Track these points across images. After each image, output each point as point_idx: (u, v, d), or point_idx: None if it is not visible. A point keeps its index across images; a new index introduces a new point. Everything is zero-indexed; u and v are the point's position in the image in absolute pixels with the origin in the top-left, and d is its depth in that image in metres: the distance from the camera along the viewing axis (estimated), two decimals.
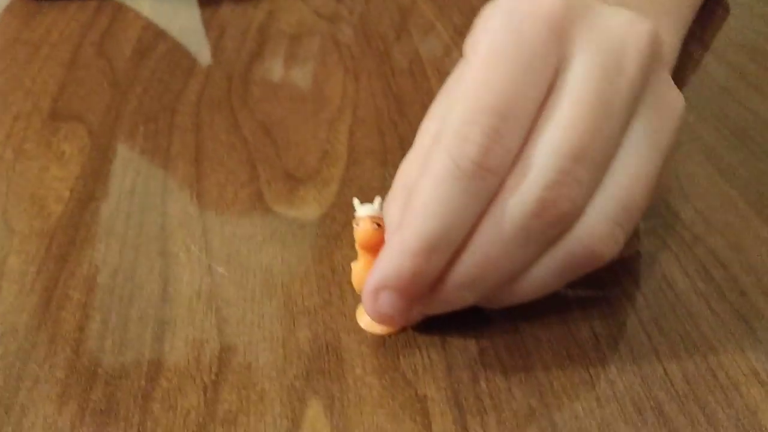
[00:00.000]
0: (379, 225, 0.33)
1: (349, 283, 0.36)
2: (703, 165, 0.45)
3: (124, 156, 0.49)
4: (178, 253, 0.40)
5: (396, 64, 0.60)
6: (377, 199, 0.34)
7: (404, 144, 0.49)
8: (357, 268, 0.34)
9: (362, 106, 0.54)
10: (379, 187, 0.45)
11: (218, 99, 0.56)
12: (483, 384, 0.32)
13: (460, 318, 0.35)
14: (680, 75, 0.55)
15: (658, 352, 0.33)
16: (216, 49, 0.65)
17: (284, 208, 0.43)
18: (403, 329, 0.35)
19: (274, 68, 0.60)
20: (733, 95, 0.53)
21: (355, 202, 0.34)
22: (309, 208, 0.43)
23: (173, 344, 0.35)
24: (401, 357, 0.33)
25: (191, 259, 0.40)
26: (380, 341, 0.34)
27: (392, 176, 0.46)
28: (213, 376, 0.33)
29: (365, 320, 0.35)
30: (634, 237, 0.40)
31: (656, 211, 0.41)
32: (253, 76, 0.59)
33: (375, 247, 0.33)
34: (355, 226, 0.33)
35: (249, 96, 0.56)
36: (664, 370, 0.32)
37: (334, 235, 0.41)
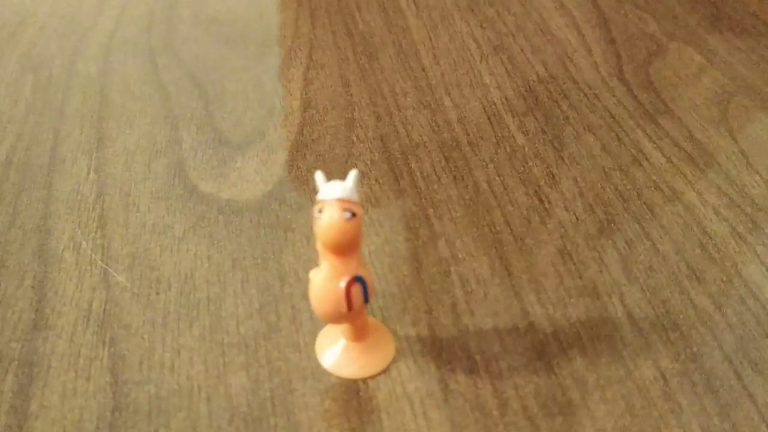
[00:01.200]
0: (353, 214, 0.21)
1: (306, 298, 0.25)
2: (764, 122, 0.35)
3: (3, 114, 0.37)
4: (62, 254, 0.29)
5: None
6: (352, 174, 0.22)
7: (375, 97, 0.37)
8: (318, 278, 0.22)
9: (320, 48, 0.41)
10: (344, 154, 0.33)
11: (133, 39, 0.43)
12: None
13: (466, 350, 0.24)
14: (714, 10, 0.44)
15: (756, 400, 0.23)
16: None
17: (214, 186, 0.32)
18: (385, 369, 0.24)
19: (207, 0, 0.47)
20: None
21: (318, 176, 0.22)
22: (248, 186, 0.32)
23: (43, 400, 0.23)
24: (384, 416, 0.23)
25: (80, 263, 0.28)
26: (352, 390, 0.23)
27: (361, 140, 0.35)
28: None
29: (330, 357, 0.24)
30: (692, 223, 0.29)
31: (714, 185, 0.31)
32: (179, 11, 0.46)
33: (346, 247, 0.21)
34: (316, 214, 0.21)
35: (173, 35, 0.43)
36: (765, 421, 0.22)
37: (284, 225, 0.29)
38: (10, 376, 0.24)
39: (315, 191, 0.22)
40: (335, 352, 0.24)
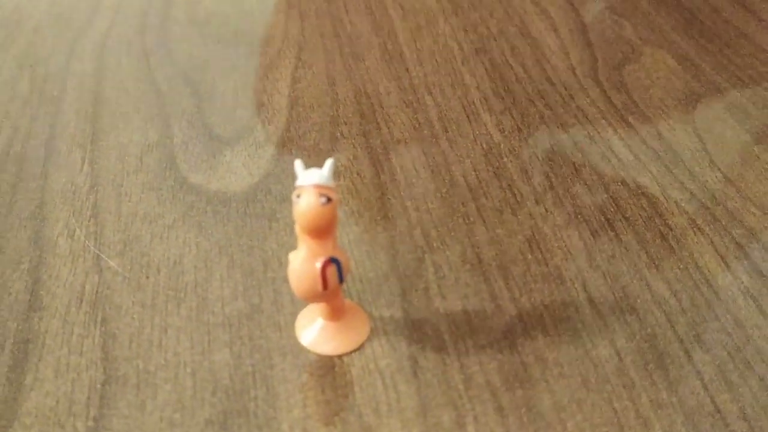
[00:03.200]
0: (329, 199, 0.22)
1: (286, 281, 0.27)
2: (728, 123, 0.37)
3: (1, 108, 0.38)
4: (56, 240, 0.30)
5: None
6: (329, 162, 0.23)
7: (359, 96, 0.39)
8: (296, 259, 0.24)
9: (308, 48, 0.43)
10: (327, 150, 0.35)
11: (128, 38, 0.45)
12: (471, 429, 0.23)
13: (436, 330, 0.26)
14: (687, 15, 0.46)
15: (703, 377, 0.24)
16: None
17: (204, 178, 0.33)
18: (360, 347, 0.25)
19: (200, 1, 0.49)
20: (754, 42, 0.44)
21: (297, 165, 0.23)
22: (236, 178, 0.33)
23: (38, 374, 0.25)
24: (357, 389, 0.24)
25: (74, 249, 0.30)
26: (327, 366, 0.25)
27: (345, 136, 0.36)
28: (90, 423, 0.23)
29: (308, 336, 0.26)
30: (654, 215, 0.31)
31: (677, 181, 0.33)
32: (174, 12, 0.48)
33: (322, 230, 0.23)
34: (294, 198, 0.23)
35: (167, 34, 0.45)
36: (713, 402, 0.24)
37: (268, 215, 0.31)
38: (6, 352, 0.26)
39: (295, 178, 0.23)
40: (313, 331, 0.26)
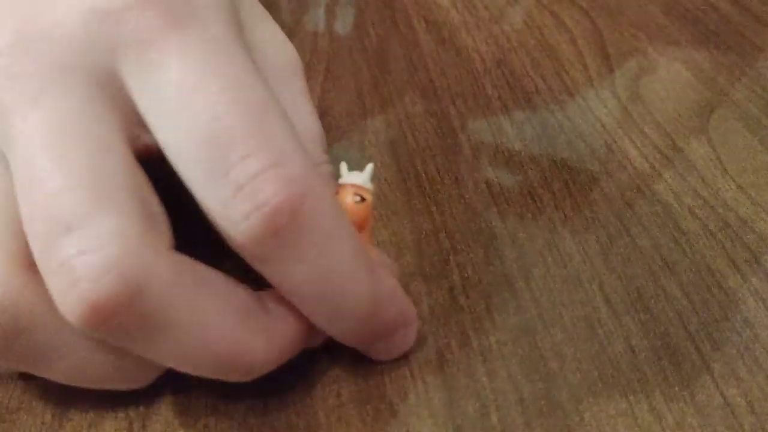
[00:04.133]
0: (363, 198, 0.25)
1: None
2: (741, 133, 0.38)
3: None
4: None
5: (376, 11, 0.51)
6: (369, 167, 0.26)
7: (386, 106, 0.41)
8: None
9: (336, 61, 0.45)
10: (358, 157, 0.37)
11: None
12: (494, 418, 0.25)
13: (461, 326, 0.27)
14: (703, 29, 0.48)
15: (713, 372, 0.26)
16: None
17: None
18: None
19: None
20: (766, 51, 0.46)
21: (343, 167, 0.26)
22: None
23: None
24: (387, 381, 0.26)
25: None
26: (360, 358, 0.27)
27: (372, 144, 0.38)
28: (142, 409, 0.25)
29: None
30: (668, 221, 0.32)
31: (691, 188, 0.34)
32: None
33: (356, 226, 0.25)
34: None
35: None
36: (723, 396, 0.25)
37: None
38: None
39: (338, 177, 0.26)
40: None
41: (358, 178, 0.25)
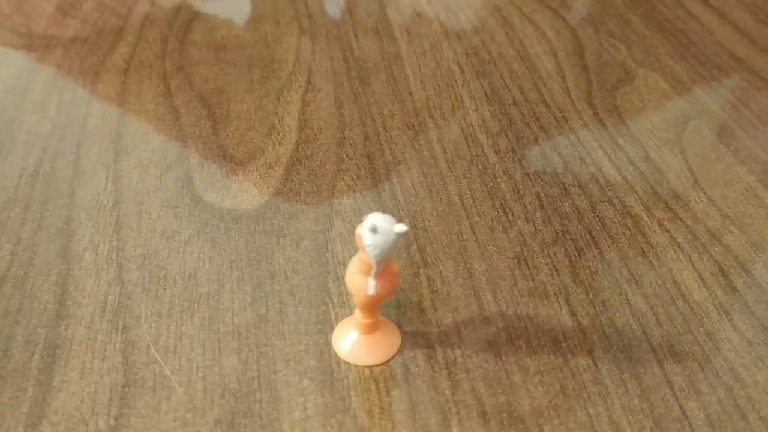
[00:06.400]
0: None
1: (292, 294, 0.29)
2: (715, 145, 0.39)
3: (31, 130, 0.41)
4: (82, 254, 0.33)
5: (359, 23, 0.52)
6: (402, 226, 0.25)
7: (364, 118, 0.41)
8: (352, 265, 0.26)
9: (318, 72, 0.46)
10: (334, 170, 0.37)
11: (149, 63, 0.47)
12: (455, 430, 0.25)
13: (428, 339, 0.28)
14: (683, 39, 0.48)
15: (673, 386, 0.26)
16: (152, 5, 0.56)
17: (218, 197, 0.36)
18: (388, 360, 0.28)
19: (218, 26, 0.52)
20: (742, 61, 0.46)
21: (367, 226, 0.25)
22: (248, 197, 0.36)
23: (65, 376, 0.27)
24: (353, 394, 0.26)
25: (98, 262, 0.32)
26: (327, 372, 0.27)
27: (350, 157, 0.39)
28: (111, 421, 0.26)
29: (344, 347, 0.28)
30: (637, 234, 0.33)
31: (662, 201, 0.35)
32: (192, 36, 0.50)
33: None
34: (359, 229, 0.25)
35: (185, 59, 0.48)
36: (681, 409, 0.26)
37: (276, 231, 0.34)
38: (36, 357, 0.28)
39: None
40: (348, 344, 0.27)
41: (368, 246, 0.25)
